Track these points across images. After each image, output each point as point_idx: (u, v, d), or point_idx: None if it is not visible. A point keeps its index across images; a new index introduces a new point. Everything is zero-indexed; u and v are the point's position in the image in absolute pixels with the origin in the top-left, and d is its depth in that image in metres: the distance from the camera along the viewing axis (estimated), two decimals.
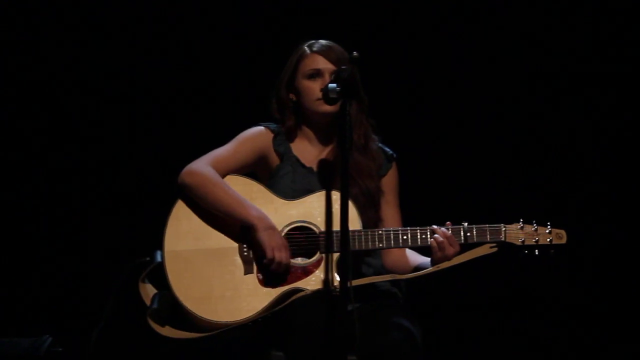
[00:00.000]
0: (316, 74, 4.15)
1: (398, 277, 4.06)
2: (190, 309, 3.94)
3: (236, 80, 5.48)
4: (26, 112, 5.43)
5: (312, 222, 4.04)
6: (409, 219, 4.25)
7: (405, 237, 4.01)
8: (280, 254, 3.94)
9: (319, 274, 3.97)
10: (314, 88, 4.13)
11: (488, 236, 4.01)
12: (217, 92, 5.50)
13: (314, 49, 4.18)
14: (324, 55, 4.16)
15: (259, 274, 3.99)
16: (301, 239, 4.02)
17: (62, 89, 5.44)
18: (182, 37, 5.50)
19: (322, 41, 4.21)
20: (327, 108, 4.06)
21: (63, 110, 5.45)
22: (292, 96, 4.22)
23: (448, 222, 4.04)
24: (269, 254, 3.93)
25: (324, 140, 4.25)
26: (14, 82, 5.43)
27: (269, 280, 3.98)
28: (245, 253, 4.01)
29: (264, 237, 3.95)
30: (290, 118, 4.24)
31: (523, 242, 4.02)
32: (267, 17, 5.50)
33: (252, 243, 4.00)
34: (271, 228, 3.97)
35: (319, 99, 4.05)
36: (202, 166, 4.07)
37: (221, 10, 5.49)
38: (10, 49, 5.42)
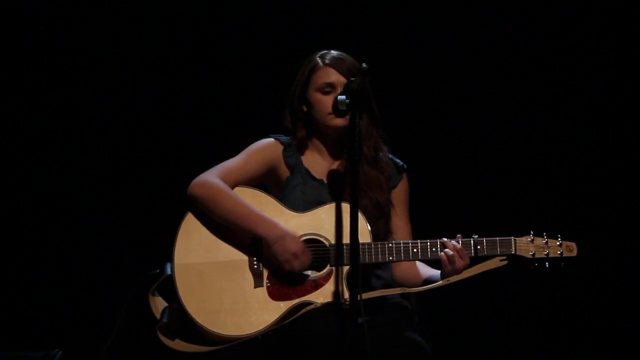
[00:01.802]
0: (328, 87, 4.13)
1: (408, 290, 4.05)
2: (201, 322, 3.93)
3: (247, 92, 5.48)
4: (38, 123, 5.44)
5: (322, 234, 4.03)
6: (419, 230, 4.24)
7: (415, 250, 4.00)
8: (297, 263, 3.93)
9: (329, 287, 3.96)
10: (326, 102, 4.10)
11: (498, 249, 4.00)
12: (227, 103, 5.50)
13: (326, 61, 4.15)
14: (336, 68, 4.13)
15: (268, 287, 3.98)
16: (311, 251, 4.01)
17: (78, 102, 5.45)
18: (196, 47, 5.50)
19: (334, 52, 4.19)
20: (339, 122, 4.06)
21: (76, 122, 5.45)
22: (304, 108, 4.21)
23: (458, 235, 4.03)
24: (286, 267, 3.93)
25: (334, 153, 4.24)
26: (26, 87, 5.44)
27: (279, 293, 3.97)
28: (256, 266, 4.00)
29: (276, 250, 3.93)
30: (301, 130, 4.23)
31: (533, 255, 4.00)
32: (281, 26, 5.49)
33: (262, 255, 4.00)
34: (282, 238, 3.94)
35: (330, 113, 4.05)
36: (212, 178, 4.06)
37: (235, 19, 5.49)
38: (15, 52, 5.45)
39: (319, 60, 4.17)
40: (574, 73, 5.45)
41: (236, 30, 5.50)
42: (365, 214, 4.01)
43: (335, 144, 4.22)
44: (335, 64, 4.14)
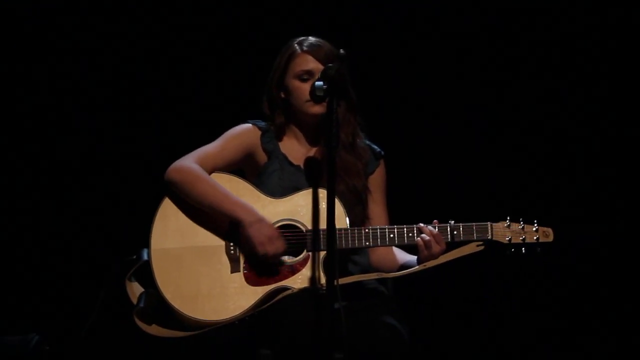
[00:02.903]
0: (306, 74, 4.13)
1: (384, 275, 4.06)
2: (177, 307, 3.94)
3: (224, 77, 5.47)
4: (10, 107, 5.42)
5: (299, 220, 4.03)
6: (396, 216, 4.25)
7: (391, 236, 4.01)
8: (271, 247, 3.93)
9: (305, 273, 3.97)
10: (304, 89, 4.09)
11: (475, 234, 4.01)
12: (204, 88, 5.49)
13: (304, 47, 4.15)
14: (314, 54, 4.13)
15: (245, 272, 3.98)
16: (288, 237, 4.01)
17: (50, 86, 5.43)
18: (171, 32, 5.48)
19: (312, 39, 4.19)
20: (317, 109, 4.07)
21: (48, 106, 5.43)
22: (282, 94, 4.21)
23: (435, 221, 4.04)
24: (260, 250, 3.92)
25: (312, 139, 4.24)
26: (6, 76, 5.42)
27: (255, 278, 3.97)
28: (232, 251, 4.00)
29: (252, 232, 3.93)
30: (279, 116, 4.23)
31: (510, 240, 4.02)
32: (257, 11, 5.48)
33: (239, 239, 4.00)
34: (258, 222, 3.95)
35: (308, 101, 4.03)
36: (189, 163, 4.06)
37: (211, 4, 5.48)
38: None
39: (297, 47, 4.17)
40: (548, 56, 5.47)
41: (213, 16, 5.48)
42: (342, 200, 4.02)
43: (313, 130, 4.22)
44: (313, 50, 4.14)
